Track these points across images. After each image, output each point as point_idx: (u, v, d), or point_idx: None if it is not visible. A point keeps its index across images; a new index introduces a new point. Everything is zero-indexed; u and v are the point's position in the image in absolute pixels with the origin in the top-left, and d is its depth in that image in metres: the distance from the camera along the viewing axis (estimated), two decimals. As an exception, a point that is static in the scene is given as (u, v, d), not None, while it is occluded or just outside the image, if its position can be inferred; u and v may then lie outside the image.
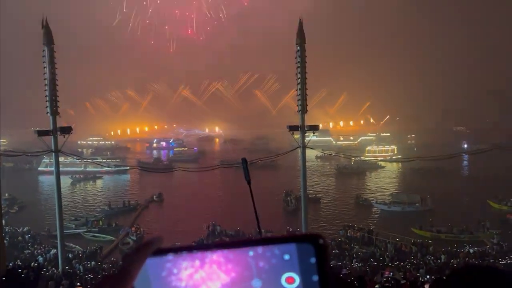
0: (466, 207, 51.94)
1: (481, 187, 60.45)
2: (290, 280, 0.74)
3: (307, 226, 31.99)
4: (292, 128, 31.13)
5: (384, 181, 76.41)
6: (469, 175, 77.16)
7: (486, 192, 55.88)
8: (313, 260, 0.74)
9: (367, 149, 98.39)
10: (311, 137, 31.45)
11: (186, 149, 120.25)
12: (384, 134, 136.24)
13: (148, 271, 0.76)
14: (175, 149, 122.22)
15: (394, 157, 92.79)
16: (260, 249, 0.75)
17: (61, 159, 35.79)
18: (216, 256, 0.75)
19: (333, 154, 70.12)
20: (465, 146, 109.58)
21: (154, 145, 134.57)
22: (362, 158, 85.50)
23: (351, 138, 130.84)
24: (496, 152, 49.32)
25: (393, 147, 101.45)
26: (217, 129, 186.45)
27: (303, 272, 0.74)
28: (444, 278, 1.20)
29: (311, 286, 0.74)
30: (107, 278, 0.78)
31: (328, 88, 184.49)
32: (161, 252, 0.77)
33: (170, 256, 0.76)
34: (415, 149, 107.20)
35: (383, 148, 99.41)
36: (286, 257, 0.74)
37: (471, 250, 35.69)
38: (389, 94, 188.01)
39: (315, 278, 0.74)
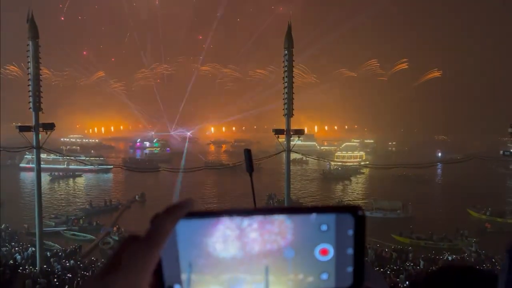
0: (446, 215, 52.63)
1: (461, 196, 61.31)
2: (324, 252, 0.71)
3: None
4: (277, 132, 31.20)
5: (364, 187, 77.18)
6: (449, 183, 78.18)
7: (466, 201, 56.72)
8: (350, 232, 0.71)
9: (336, 154, 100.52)
10: (296, 141, 31.57)
11: (159, 149, 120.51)
12: (368, 141, 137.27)
13: (177, 233, 0.71)
14: (147, 148, 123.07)
15: (362, 163, 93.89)
16: (298, 218, 0.71)
17: (43, 156, 35.29)
18: (251, 222, 0.71)
19: (304, 158, 70.92)
20: (440, 154, 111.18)
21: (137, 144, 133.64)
22: (331, 162, 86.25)
23: (336, 143, 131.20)
24: (475, 161, 50.18)
25: (362, 153, 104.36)
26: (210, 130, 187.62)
27: (339, 244, 0.71)
28: (425, 278, 1.24)
29: (345, 259, 0.71)
30: (131, 240, 0.69)
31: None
32: (193, 215, 0.71)
33: (202, 220, 0.71)
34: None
35: (352, 154, 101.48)
36: (324, 227, 0.71)
37: (450, 258, 36.21)
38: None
39: (350, 251, 0.71)
